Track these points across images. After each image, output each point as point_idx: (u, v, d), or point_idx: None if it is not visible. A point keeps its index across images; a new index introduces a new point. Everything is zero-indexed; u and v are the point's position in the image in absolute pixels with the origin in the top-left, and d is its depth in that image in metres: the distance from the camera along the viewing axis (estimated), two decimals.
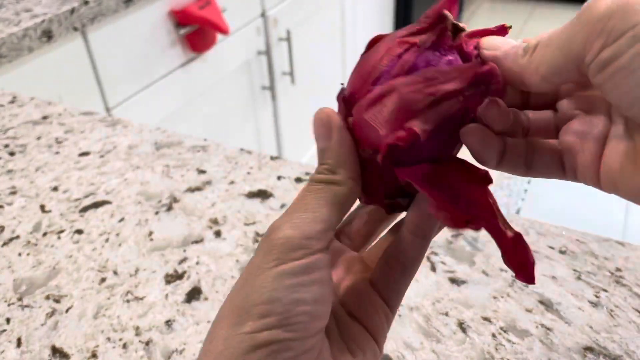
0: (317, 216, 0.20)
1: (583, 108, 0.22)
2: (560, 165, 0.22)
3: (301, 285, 0.19)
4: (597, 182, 0.21)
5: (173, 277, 0.41)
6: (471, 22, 2.88)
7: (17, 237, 0.46)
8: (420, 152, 0.21)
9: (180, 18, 1.09)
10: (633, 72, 0.17)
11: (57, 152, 0.57)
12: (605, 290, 0.38)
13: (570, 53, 0.18)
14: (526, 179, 1.81)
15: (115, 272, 0.42)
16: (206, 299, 0.39)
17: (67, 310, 0.39)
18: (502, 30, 0.22)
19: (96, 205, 0.49)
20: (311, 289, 0.19)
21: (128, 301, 0.40)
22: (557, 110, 0.23)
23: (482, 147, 0.21)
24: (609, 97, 0.18)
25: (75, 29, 0.89)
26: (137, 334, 0.37)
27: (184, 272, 0.42)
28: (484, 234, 0.43)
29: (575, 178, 0.22)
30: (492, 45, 0.21)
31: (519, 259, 0.21)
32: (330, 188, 0.20)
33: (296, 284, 0.19)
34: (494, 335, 0.35)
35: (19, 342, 0.37)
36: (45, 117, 0.64)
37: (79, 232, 0.46)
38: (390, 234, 0.25)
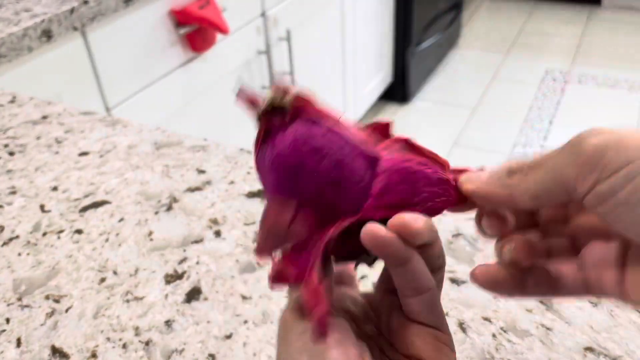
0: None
1: (600, 234, 0.22)
2: (584, 286, 0.23)
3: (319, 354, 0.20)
4: (623, 295, 0.21)
5: (173, 277, 0.41)
6: (471, 22, 2.89)
7: (17, 237, 0.46)
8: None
9: (180, 18, 1.08)
10: (633, 209, 0.17)
11: (56, 152, 0.57)
12: None
13: (561, 180, 0.19)
14: None
15: (115, 272, 0.42)
16: (206, 299, 0.39)
17: (66, 310, 0.39)
18: (385, 127, 0.23)
19: (96, 205, 0.49)
20: (332, 352, 0.20)
21: (128, 301, 0.39)
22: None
23: (497, 290, 0.23)
24: (613, 227, 0.19)
25: (75, 28, 0.88)
26: (137, 334, 0.37)
27: (184, 272, 0.42)
28: None
29: (602, 293, 0.22)
30: (470, 178, 0.22)
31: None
32: None
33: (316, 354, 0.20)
34: (494, 335, 0.35)
35: (18, 342, 0.37)
36: (44, 117, 0.64)
37: (79, 232, 0.46)
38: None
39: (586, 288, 0.23)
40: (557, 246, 0.24)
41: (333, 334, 0.21)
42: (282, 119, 0.21)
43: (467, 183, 0.22)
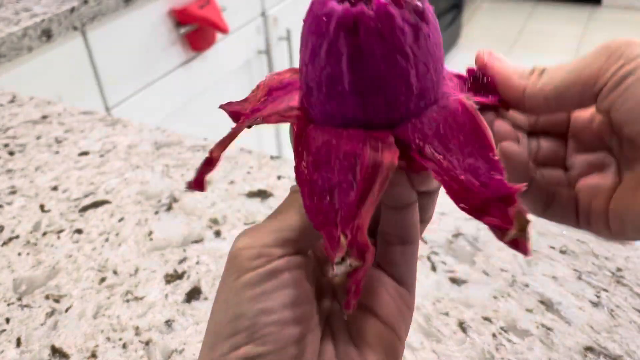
0: (283, 223, 0.19)
1: (596, 166, 0.23)
2: (574, 214, 0.23)
3: (265, 293, 0.18)
4: (608, 226, 0.22)
5: (173, 277, 0.41)
6: (471, 22, 2.88)
7: (17, 236, 0.46)
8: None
9: (180, 17, 1.08)
10: None
11: (56, 152, 0.57)
12: (605, 290, 0.38)
13: (582, 75, 0.20)
14: None
15: (115, 272, 0.42)
16: (206, 298, 0.39)
17: (66, 310, 0.39)
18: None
19: (96, 204, 0.49)
20: (277, 294, 0.18)
21: (128, 301, 0.39)
22: (567, 169, 0.24)
23: (515, 164, 0.22)
24: (615, 114, 0.19)
25: (75, 28, 0.88)
26: (137, 334, 0.37)
27: (184, 272, 0.42)
28: (484, 234, 0.43)
29: (588, 225, 0.23)
30: (497, 56, 0.22)
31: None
32: (299, 196, 0.19)
33: (259, 294, 0.18)
34: (494, 335, 0.35)
35: (18, 342, 0.37)
36: (44, 117, 0.64)
37: (79, 231, 0.46)
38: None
39: (574, 214, 0.23)
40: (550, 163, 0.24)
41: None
42: None
43: (494, 59, 0.22)
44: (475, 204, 0.18)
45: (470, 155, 0.19)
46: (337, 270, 0.21)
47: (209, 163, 0.20)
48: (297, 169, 0.18)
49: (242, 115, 0.21)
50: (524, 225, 0.17)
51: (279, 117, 0.20)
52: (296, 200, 0.19)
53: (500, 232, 0.18)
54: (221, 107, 0.22)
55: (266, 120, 0.20)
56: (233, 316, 0.18)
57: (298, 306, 0.18)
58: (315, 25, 0.19)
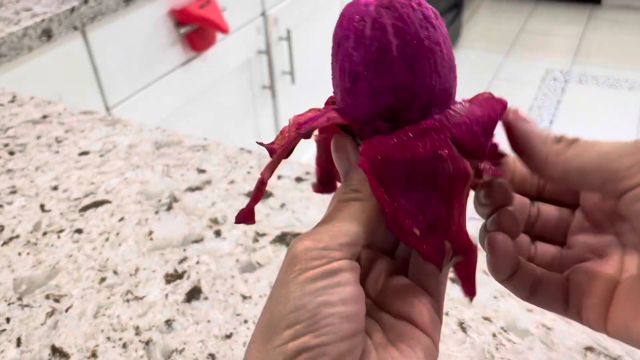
0: (339, 229, 0.20)
1: (597, 252, 0.22)
2: (564, 301, 0.22)
3: (325, 288, 0.19)
4: (602, 325, 0.21)
5: (173, 277, 0.41)
6: (471, 21, 2.88)
7: (17, 236, 0.46)
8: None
9: (180, 17, 1.08)
10: None
11: (57, 152, 0.57)
12: None
13: (612, 166, 0.19)
14: None
15: (115, 272, 0.42)
16: (206, 298, 0.39)
17: (67, 310, 0.39)
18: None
19: (96, 204, 0.49)
20: (337, 290, 0.19)
21: (128, 301, 0.39)
22: (564, 246, 0.24)
23: (502, 259, 0.22)
24: (637, 223, 0.19)
25: (75, 28, 0.88)
26: (137, 334, 0.37)
27: (184, 272, 0.42)
28: None
29: (578, 317, 0.22)
30: (522, 116, 0.22)
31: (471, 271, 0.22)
32: (356, 204, 0.21)
33: (320, 288, 0.19)
34: (494, 335, 0.35)
35: (18, 342, 0.37)
36: (45, 117, 0.64)
37: (79, 231, 0.46)
38: None
39: (564, 302, 0.22)
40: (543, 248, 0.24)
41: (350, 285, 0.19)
42: None
43: (519, 119, 0.22)
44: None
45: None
46: (445, 270, 0.22)
47: (262, 186, 0.22)
48: (377, 194, 0.20)
49: (276, 149, 0.21)
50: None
51: (325, 123, 0.21)
52: (348, 209, 0.21)
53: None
54: (259, 143, 0.23)
55: (318, 124, 0.21)
56: (294, 307, 0.18)
57: (354, 303, 0.19)
58: (357, 16, 0.21)
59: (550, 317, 0.36)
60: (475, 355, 0.34)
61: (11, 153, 0.58)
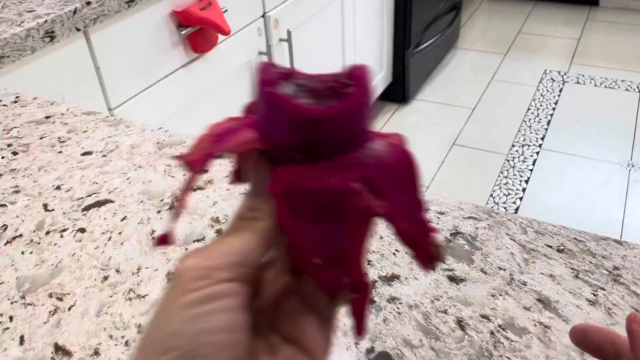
0: (228, 248, 0.19)
1: None
2: None
3: (204, 314, 0.18)
4: None
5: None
6: (470, 23, 2.89)
7: (20, 235, 0.47)
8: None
9: (181, 19, 1.09)
10: None
11: (60, 152, 0.58)
12: (603, 289, 0.38)
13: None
14: (524, 177, 1.82)
15: (117, 271, 0.42)
16: None
17: (69, 308, 0.39)
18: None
19: (99, 204, 0.50)
20: (216, 317, 0.18)
21: (130, 299, 0.40)
22: None
23: None
24: None
25: (78, 29, 0.89)
26: (140, 332, 0.37)
27: None
28: (483, 232, 0.43)
29: None
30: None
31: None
32: (253, 223, 0.20)
33: (199, 314, 0.18)
34: (492, 333, 0.36)
35: (22, 340, 0.37)
36: (48, 117, 0.64)
37: (82, 230, 0.47)
38: None
39: None
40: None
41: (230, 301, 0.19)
42: None
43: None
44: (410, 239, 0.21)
45: (403, 194, 0.21)
46: (338, 304, 0.23)
47: (178, 209, 0.22)
48: (283, 220, 0.20)
49: (195, 162, 0.21)
50: (441, 252, 0.22)
51: (241, 146, 0.21)
52: (244, 227, 0.20)
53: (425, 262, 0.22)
54: (175, 158, 0.23)
55: (230, 149, 0.21)
56: (170, 333, 0.18)
57: (233, 332, 0.19)
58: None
59: (548, 316, 0.37)
60: (473, 353, 0.34)
61: (14, 153, 0.58)
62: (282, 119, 0.20)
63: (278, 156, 0.21)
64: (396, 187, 0.21)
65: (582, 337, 0.28)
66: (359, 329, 0.22)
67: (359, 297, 0.21)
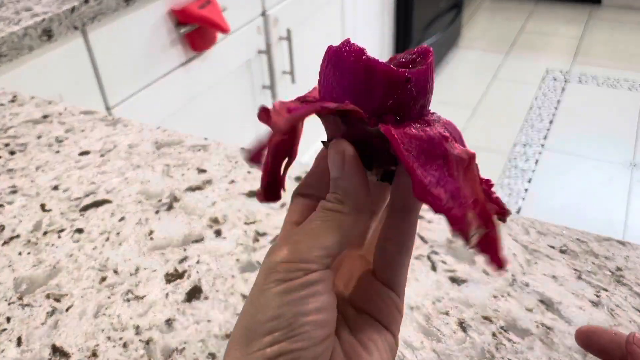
0: (318, 243, 0.21)
1: None
2: None
3: (302, 298, 0.21)
4: None
5: (173, 276, 0.41)
6: (471, 22, 2.88)
7: (18, 236, 0.46)
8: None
9: (180, 17, 1.08)
10: None
11: (57, 151, 0.57)
12: (605, 290, 0.38)
13: None
14: (526, 177, 1.82)
15: (115, 271, 0.42)
16: (206, 298, 0.39)
17: (67, 309, 0.39)
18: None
19: (97, 204, 0.49)
20: (312, 300, 0.21)
21: (128, 300, 0.40)
22: None
23: None
24: None
25: (76, 28, 0.89)
26: (138, 333, 0.37)
27: (185, 271, 0.42)
28: None
29: None
30: None
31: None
32: (336, 217, 0.22)
33: (297, 299, 0.20)
34: (494, 335, 0.35)
35: (19, 341, 0.37)
36: (45, 116, 0.64)
37: (80, 231, 0.46)
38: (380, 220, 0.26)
39: None
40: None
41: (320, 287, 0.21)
42: None
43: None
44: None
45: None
46: (472, 242, 0.23)
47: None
48: (410, 168, 0.21)
49: (280, 123, 0.22)
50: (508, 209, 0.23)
51: (339, 106, 0.22)
52: (329, 220, 0.22)
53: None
54: (258, 113, 0.24)
55: (334, 107, 0.22)
56: (273, 316, 0.20)
57: (327, 312, 0.21)
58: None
59: (550, 317, 0.36)
60: (475, 354, 0.34)
61: (12, 153, 0.58)
62: (377, 82, 0.21)
63: (370, 123, 0.22)
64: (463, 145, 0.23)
65: (588, 339, 0.28)
66: (498, 262, 0.22)
67: (490, 232, 0.22)
